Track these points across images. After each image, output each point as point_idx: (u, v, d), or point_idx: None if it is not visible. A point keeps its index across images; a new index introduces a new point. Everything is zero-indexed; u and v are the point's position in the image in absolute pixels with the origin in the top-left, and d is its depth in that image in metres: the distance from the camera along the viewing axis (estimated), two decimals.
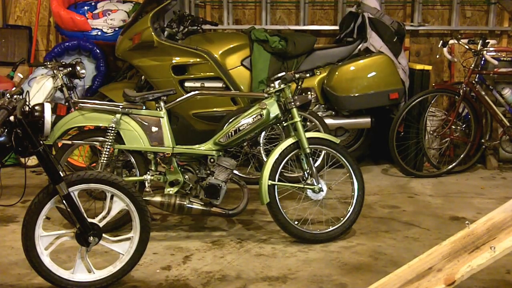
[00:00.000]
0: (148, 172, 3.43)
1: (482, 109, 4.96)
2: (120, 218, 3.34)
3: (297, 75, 3.47)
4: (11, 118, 2.37)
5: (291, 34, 4.87)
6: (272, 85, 3.43)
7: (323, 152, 4.05)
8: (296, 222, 3.42)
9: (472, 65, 4.79)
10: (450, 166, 4.90)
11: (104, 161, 3.38)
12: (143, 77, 4.78)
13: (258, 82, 4.59)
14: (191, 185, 3.45)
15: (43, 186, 2.63)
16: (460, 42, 4.89)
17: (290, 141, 3.40)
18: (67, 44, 5.37)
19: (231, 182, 3.52)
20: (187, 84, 4.62)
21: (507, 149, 4.98)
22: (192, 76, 4.61)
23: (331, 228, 3.43)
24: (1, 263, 3.11)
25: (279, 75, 3.42)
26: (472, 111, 4.87)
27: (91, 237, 2.64)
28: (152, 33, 4.49)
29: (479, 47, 4.76)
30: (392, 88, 4.70)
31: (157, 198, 3.36)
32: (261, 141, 4.33)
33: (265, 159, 4.07)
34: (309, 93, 3.61)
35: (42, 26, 5.90)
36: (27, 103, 2.50)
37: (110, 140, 3.38)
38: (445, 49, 5.01)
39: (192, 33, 4.88)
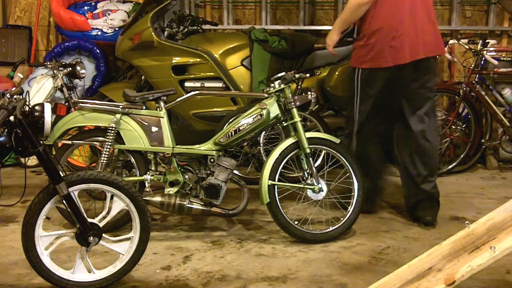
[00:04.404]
0: (148, 172, 3.43)
1: (482, 109, 4.96)
2: (120, 218, 3.34)
3: (297, 75, 3.47)
4: (11, 118, 2.37)
5: (291, 34, 4.87)
6: (272, 85, 3.43)
7: (323, 152, 4.05)
8: (296, 222, 3.42)
9: (472, 65, 4.79)
10: (450, 166, 4.90)
11: (104, 161, 3.38)
12: (143, 77, 4.78)
13: (258, 82, 4.59)
14: (191, 185, 3.45)
15: (43, 186, 2.63)
16: (460, 42, 4.89)
17: (290, 141, 3.41)
18: (67, 44, 5.37)
19: (231, 182, 3.53)
20: (187, 84, 4.62)
21: (507, 149, 4.98)
22: (192, 76, 4.61)
23: (331, 228, 3.43)
24: (1, 263, 3.11)
25: (279, 75, 3.42)
26: (472, 111, 4.87)
27: (91, 237, 2.64)
28: (152, 33, 4.49)
29: (479, 47, 4.76)
30: None
31: (157, 198, 3.36)
32: (261, 141, 4.33)
33: (265, 159, 4.07)
34: (309, 93, 3.61)
35: (42, 26, 5.89)
36: (27, 103, 2.50)
37: (110, 140, 3.38)
38: (445, 49, 5.01)
39: (192, 33, 4.88)
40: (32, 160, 4.50)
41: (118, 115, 3.39)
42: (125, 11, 5.49)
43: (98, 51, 5.37)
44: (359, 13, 3.44)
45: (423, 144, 3.58)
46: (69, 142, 3.51)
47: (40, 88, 4.76)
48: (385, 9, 3.41)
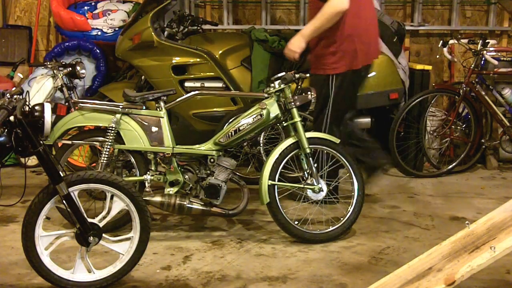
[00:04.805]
0: (148, 172, 3.43)
1: (482, 109, 4.96)
2: (120, 218, 3.34)
3: (297, 75, 3.47)
4: (11, 118, 2.37)
5: (291, 34, 4.86)
6: (272, 85, 3.43)
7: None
8: (296, 222, 3.42)
9: (472, 65, 4.79)
10: (450, 166, 4.90)
11: (104, 161, 3.38)
12: (143, 77, 4.78)
13: (258, 82, 4.59)
14: (191, 185, 3.45)
15: (43, 186, 2.63)
16: (460, 42, 4.89)
17: (290, 141, 3.40)
18: (67, 44, 5.37)
19: (231, 182, 3.53)
20: (187, 84, 4.61)
21: (507, 149, 4.98)
22: (192, 76, 4.60)
23: (331, 228, 3.43)
24: (1, 263, 3.11)
25: (279, 75, 3.42)
26: (472, 111, 4.87)
27: (91, 237, 2.64)
28: (152, 33, 4.49)
29: (479, 47, 4.76)
30: (392, 88, 4.69)
31: (157, 198, 3.36)
32: (261, 141, 4.33)
33: (265, 159, 4.07)
34: (309, 93, 3.60)
35: (42, 26, 5.89)
36: (27, 103, 2.50)
37: (110, 140, 3.38)
38: (445, 49, 5.01)
39: (192, 33, 4.88)
40: (32, 160, 4.50)
41: (118, 115, 3.39)
42: (125, 11, 5.49)
43: (98, 51, 5.37)
44: (334, 21, 3.49)
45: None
46: (69, 142, 3.51)
47: (40, 88, 4.76)
48: (351, 15, 3.50)
